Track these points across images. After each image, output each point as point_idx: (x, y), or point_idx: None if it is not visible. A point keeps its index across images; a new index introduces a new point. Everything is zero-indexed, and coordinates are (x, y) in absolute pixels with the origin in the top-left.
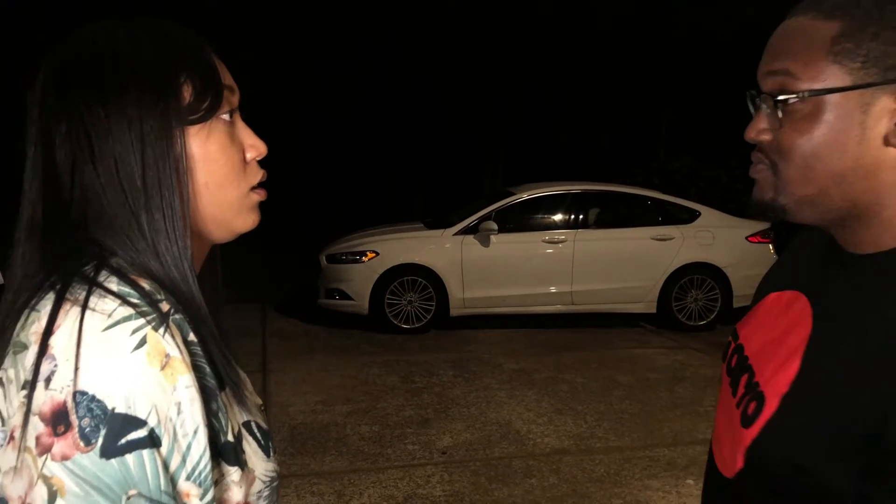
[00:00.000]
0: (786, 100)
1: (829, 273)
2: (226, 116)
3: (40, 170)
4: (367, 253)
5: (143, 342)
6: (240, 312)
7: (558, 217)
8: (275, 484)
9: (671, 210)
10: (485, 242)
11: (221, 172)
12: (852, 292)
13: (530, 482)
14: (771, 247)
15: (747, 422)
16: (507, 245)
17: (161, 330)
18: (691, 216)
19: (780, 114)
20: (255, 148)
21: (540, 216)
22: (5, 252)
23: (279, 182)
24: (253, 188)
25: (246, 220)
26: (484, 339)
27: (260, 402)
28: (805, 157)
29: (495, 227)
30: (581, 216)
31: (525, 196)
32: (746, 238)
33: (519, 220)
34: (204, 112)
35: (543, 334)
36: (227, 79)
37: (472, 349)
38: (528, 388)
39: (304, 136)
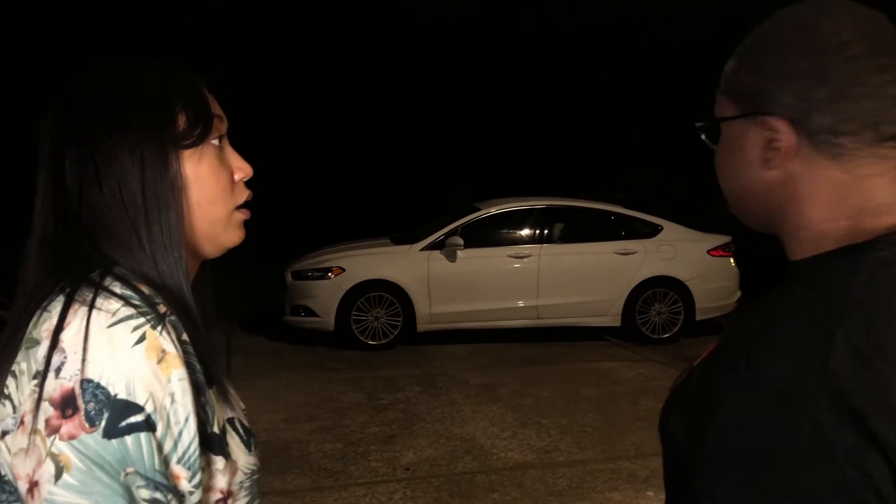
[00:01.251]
0: (702, 126)
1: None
2: (216, 142)
3: (51, 190)
4: (334, 269)
5: (142, 338)
6: None
7: (524, 232)
8: (255, 477)
9: (634, 225)
10: (451, 258)
11: (212, 191)
12: (767, 295)
13: (493, 497)
14: (732, 260)
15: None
16: (473, 260)
17: (159, 328)
18: (653, 230)
19: (711, 138)
20: (243, 170)
21: (506, 231)
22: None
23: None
24: (239, 207)
25: (232, 236)
26: (451, 355)
27: (244, 405)
28: (720, 176)
29: (462, 242)
30: (546, 231)
31: (491, 211)
32: (708, 252)
33: (485, 235)
34: (196, 138)
35: (510, 349)
36: (217, 108)
37: (438, 364)
38: (494, 403)
39: (270, 151)
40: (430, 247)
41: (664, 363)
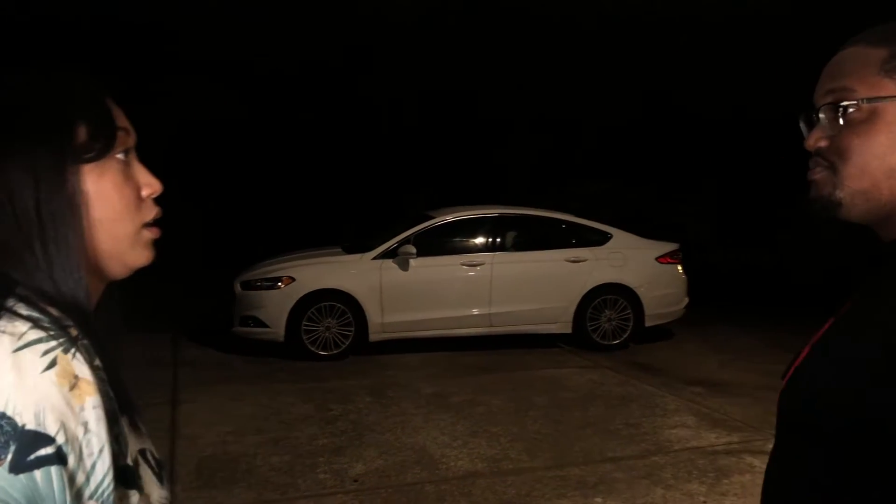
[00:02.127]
0: (846, 107)
1: (872, 267)
2: (120, 156)
3: None
4: (284, 279)
5: (53, 363)
6: (150, 342)
7: (476, 240)
8: None
9: (584, 232)
10: (404, 266)
11: (115, 208)
12: (881, 270)
13: None
14: (679, 267)
15: (785, 374)
16: (426, 269)
17: (71, 353)
18: (603, 238)
19: (840, 122)
20: (150, 186)
21: (458, 239)
22: None
23: (193, 208)
24: (147, 225)
25: (139, 256)
26: (403, 364)
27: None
28: (864, 155)
29: (414, 250)
30: (499, 239)
31: (444, 219)
32: (656, 259)
33: (438, 243)
34: (97, 152)
35: (463, 357)
36: (122, 121)
37: (390, 374)
38: (445, 412)
39: (220, 161)
40: (383, 255)
41: (614, 369)
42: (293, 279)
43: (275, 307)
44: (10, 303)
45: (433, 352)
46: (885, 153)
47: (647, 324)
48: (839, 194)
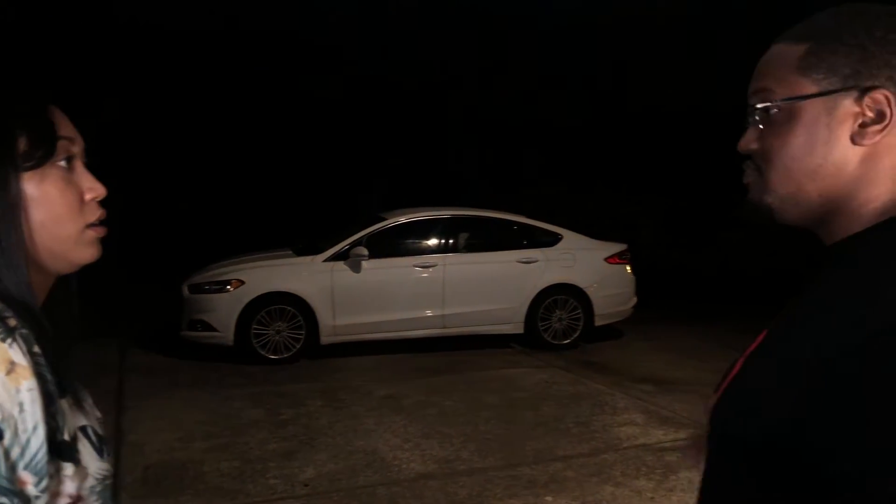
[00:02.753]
0: (766, 108)
1: (817, 269)
2: (62, 163)
3: None
4: (233, 282)
5: None
6: (96, 348)
7: (429, 242)
8: (108, 482)
9: (536, 234)
10: (356, 268)
11: (57, 211)
12: (819, 273)
13: None
14: (628, 267)
15: (717, 388)
16: (378, 270)
17: (8, 341)
18: (554, 239)
19: (763, 124)
20: (93, 190)
21: (411, 241)
22: None
23: (141, 212)
24: (91, 225)
25: (84, 254)
26: (355, 367)
27: (99, 414)
28: (783, 158)
29: (366, 252)
30: (451, 241)
31: (397, 221)
32: (605, 259)
33: (390, 245)
34: (38, 160)
35: (415, 359)
36: (66, 130)
37: (342, 377)
38: (397, 414)
39: (165, 163)
40: (334, 257)
41: (565, 368)
42: (242, 282)
43: (224, 311)
44: None
45: (385, 354)
46: (804, 155)
47: (597, 323)
48: (768, 199)
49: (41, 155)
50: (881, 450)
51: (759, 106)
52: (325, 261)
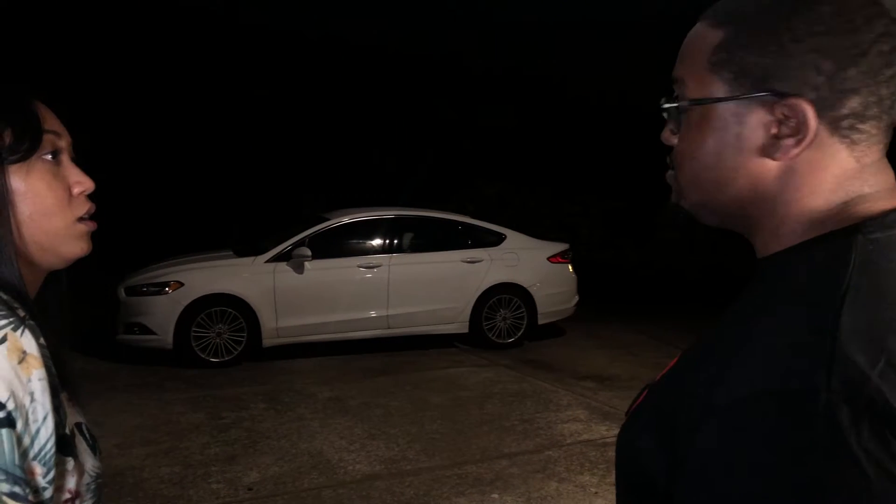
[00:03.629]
0: (670, 108)
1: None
2: (48, 157)
3: None
4: (171, 283)
5: (3, 339)
6: None
7: (373, 242)
8: (100, 480)
9: (480, 234)
10: (298, 269)
11: (45, 205)
12: (740, 296)
13: None
14: (570, 266)
15: (626, 411)
16: (321, 271)
17: (20, 331)
18: (498, 239)
19: (672, 124)
20: (81, 184)
21: (355, 241)
22: None
23: None
24: (81, 219)
25: (74, 248)
26: (298, 369)
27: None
28: (693, 164)
29: (309, 253)
30: (395, 241)
31: (340, 221)
32: (548, 259)
33: (333, 245)
34: (23, 153)
35: (360, 360)
36: (52, 125)
37: (285, 380)
38: (342, 416)
39: (106, 161)
40: (276, 258)
41: (509, 367)
42: (181, 284)
43: (162, 313)
44: None
45: (329, 356)
46: (713, 164)
47: (541, 322)
48: (684, 205)
49: (26, 148)
50: None
51: (665, 105)
52: (267, 262)
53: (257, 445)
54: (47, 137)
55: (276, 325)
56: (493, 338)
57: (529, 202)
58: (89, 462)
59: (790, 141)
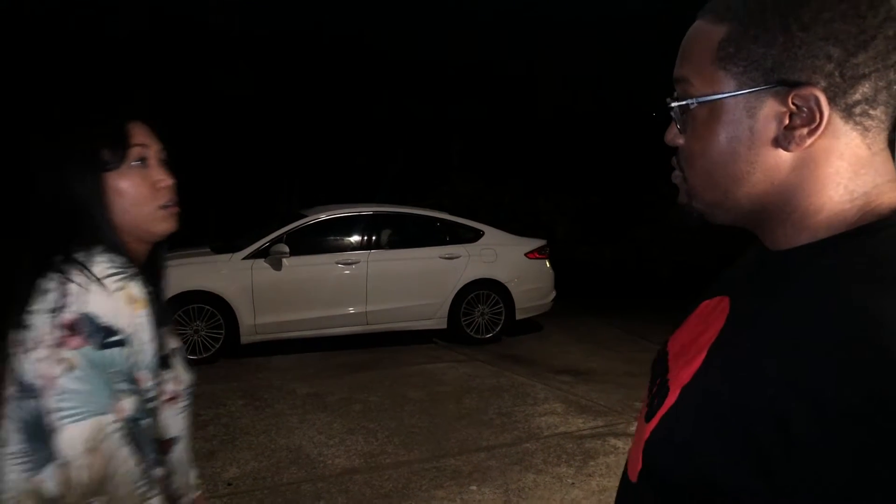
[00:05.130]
0: (679, 107)
1: (753, 273)
2: (136, 163)
3: (39, 197)
4: None
5: (122, 287)
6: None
7: (351, 238)
8: (191, 389)
9: (458, 230)
10: (276, 266)
11: (135, 198)
12: (765, 288)
13: None
14: (547, 262)
15: (649, 416)
16: (299, 268)
17: (133, 282)
18: (476, 235)
19: (679, 124)
20: (162, 181)
21: (333, 238)
22: None
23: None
24: (164, 206)
25: (161, 227)
26: (277, 366)
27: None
28: (704, 163)
29: (287, 249)
30: (374, 237)
31: (318, 218)
32: (525, 254)
33: (311, 242)
34: (115, 164)
35: (338, 356)
36: (139, 139)
37: (263, 376)
38: (321, 411)
39: None
40: (254, 255)
41: (487, 362)
42: None
43: None
44: (95, 252)
45: (308, 352)
46: (727, 161)
47: (518, 317)
48: (696, 205)
49: (118, 160)
50: None
51: (673, 105)
52: (245, 258)
53: (236, 441)
54: (134, 150)
55: (254, 321)
56: (472, 333)
57: (505, 199)
58: (183, 375)
59: (804, 130)
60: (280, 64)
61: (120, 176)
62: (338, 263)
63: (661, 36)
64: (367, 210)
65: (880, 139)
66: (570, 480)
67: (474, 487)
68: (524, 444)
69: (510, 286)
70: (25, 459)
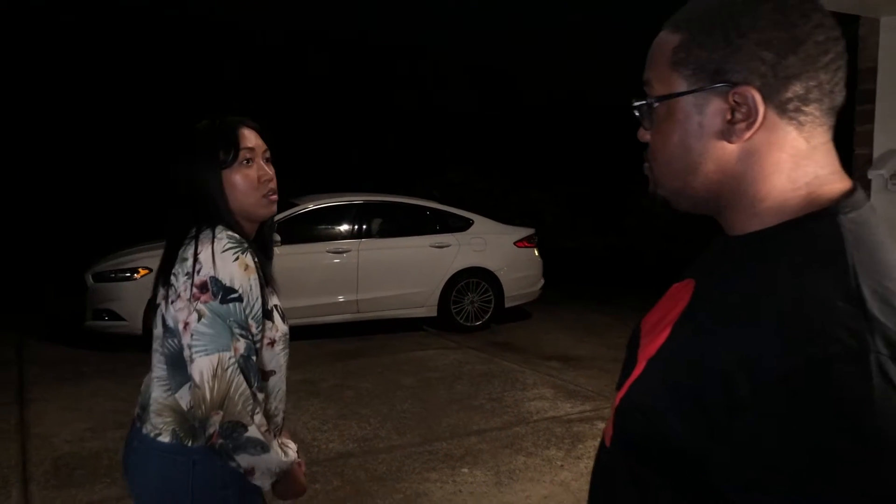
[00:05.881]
0: (640, 105)
1: (715, 258)
2: (244, 162)
3: (179, 189)
4: (140, 270)
5: (237, 258)
6: None
7: (342, 227)
8: (286, 337)
9: (448, 219)
10: None
11: (243, 189)
12: (722, 270)
13: (314, 487)
14: (535, 251)
15: (619, 386)
16: (291, 256)
17: (247, 253)
18: (466, 224)
19: (643, 121)
20: (265, 175)
21: (324, 227)
22: None
23: (36, 201)
24: (265, 196)
25: (264, 210)
26: None
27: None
28: (664, 155)
29: (278, 238)
30: (365, 226)
31: (308, 207)
32: (514, 243)
33: (303, 230)
34: (229, 163)
35: (330, 344)
36: (248, 142)
37: None
38: (314, 398)
39: (61, 151)
40: None
41: (477, 349)
42: (150, 270)
43: (131, 299)
44: (218, 230)
45: (299, 340)
46: (682, 154)
47: (507, 305)
48: (661, 192)
49: (230, 160)
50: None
51: (635, 104)
52: None
53: None
54: (243, 153)
55: None
56: (461, 321)
57: (495, 188)
58: (282, 327)
59: (743, 125)
60: (270, 53)
61: (233, 172)
62: (329, 252)
63: (655, 26)
64: (357, 199)
65: (818, 133)
66: (559, 463)
67: (466, 470)
68: (514, 427)
69: (499, 274)
70: (166, 382)
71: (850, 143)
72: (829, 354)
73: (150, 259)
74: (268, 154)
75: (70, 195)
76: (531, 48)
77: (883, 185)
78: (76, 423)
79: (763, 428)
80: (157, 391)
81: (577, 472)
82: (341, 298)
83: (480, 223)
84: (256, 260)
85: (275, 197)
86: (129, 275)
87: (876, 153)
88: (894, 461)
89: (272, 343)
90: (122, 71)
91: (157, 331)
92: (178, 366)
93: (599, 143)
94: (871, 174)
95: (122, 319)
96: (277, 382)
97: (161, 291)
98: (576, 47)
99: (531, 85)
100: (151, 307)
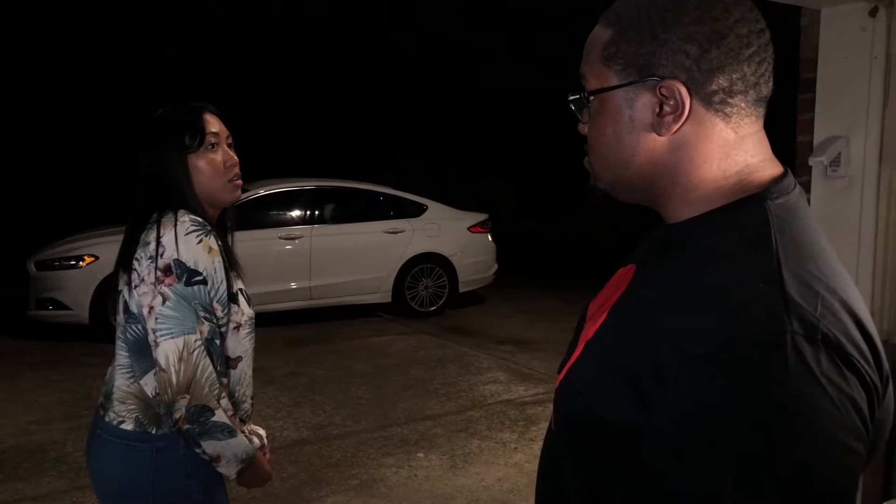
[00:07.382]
0: (575, 99)
1: (654, 244)
2: (209, 147)
3: (139, 172)
4: (85, 257)
5: (201, 240)
6: None
7: (294, 213)
8: (252, 322)
9: (402, 204)
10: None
11: (209, 174)
12: (659, 256)
13: None
14: (489, 236)
15: (560, 369)
16: (242, 243)
17: (210, 236)
18: (420, 210)
19: (579, 115)
20: (230, 160)
21: (276, 212)
22: None
23: None
24: (230, 180)
25: (228, 196)
26: None
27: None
28: (600, 148)
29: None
30: (317, 212)
31: (259, 192)
32: (468, 229)
33: (254, 216)
34: (194, 148)
35: (283, 331)
36: (213, 127)
37: None
38: (267, 386)
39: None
40: None
41: (431, 334)
42: (96, 257)
43: (77, 288)
44: (180, 214)
45: None
46: (615, 146)
47: (461, 290)
48: (600, 185)
49: (196, 145)
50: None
51: (570, 98)
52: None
53: None
54: (208, 138)
55: None
56: (416, 306)
57: (449, 174)
58: (247, 311)
59: (671, 118)
60: (218, 38)
61: (199, 157)
62: (280, 238)
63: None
64: (309, 184)
65: (745, 123)
66: (513, 445)
67: (421, 454)
68: (469, 411)
69: (453, 260)
70: (129, 370)
71: (793, 130)
72: (746, 332)
73: (96, 247)
74: (230, 139)
75: (11, 181)
76: (489, 33)
77: (823, 172)
78: (20, 416)
79: (678, 403)
80: (121, 379)
81: (530, 455)
82: (294, 285)
83: (434, 209)
84: (220, 243)
85: (240, 182)
86: (74, 262)
87: (816, 141)
88: (805, 438)
89: (238, 327)
90: (71, 53)
91: (120, 318)
92: (142, 352)
93: (554, 130)
94: (812, 161)
95: (68, 308)
96: (244, 368)
97: (123, 277)
98: (535, 34)
99: (488, 70)
100: (110, 296)
